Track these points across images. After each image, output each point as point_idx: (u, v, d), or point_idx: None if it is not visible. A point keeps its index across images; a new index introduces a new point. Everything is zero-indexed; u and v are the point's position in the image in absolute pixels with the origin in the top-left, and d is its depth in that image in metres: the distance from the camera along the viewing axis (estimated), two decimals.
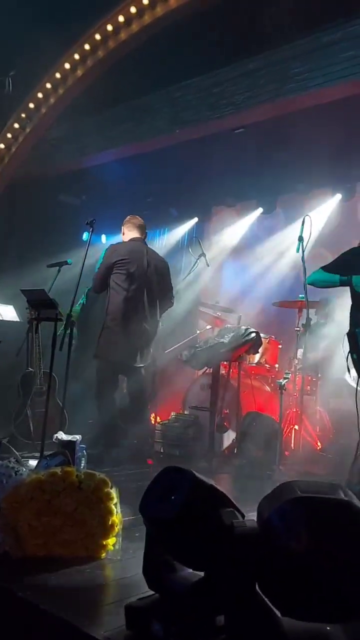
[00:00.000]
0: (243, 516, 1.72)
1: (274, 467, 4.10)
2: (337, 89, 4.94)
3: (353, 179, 5.87)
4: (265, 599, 1.56)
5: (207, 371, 5.07)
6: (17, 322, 5.86)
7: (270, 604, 1.56)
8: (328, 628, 1.62)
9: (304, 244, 4.35)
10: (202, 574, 1.70)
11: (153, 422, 5.27)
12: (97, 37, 6.09)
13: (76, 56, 6.29)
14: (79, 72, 6.38)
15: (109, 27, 6.00)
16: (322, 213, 6.01)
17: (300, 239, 4.37)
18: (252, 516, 1.72)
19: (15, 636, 1.87)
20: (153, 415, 5.34)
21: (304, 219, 4.42)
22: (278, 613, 1.57)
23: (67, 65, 6.39)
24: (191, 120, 6.06)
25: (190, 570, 1.77)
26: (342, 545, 1.47)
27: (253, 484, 3.74)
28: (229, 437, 4.83)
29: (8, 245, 7.30)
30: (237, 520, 1.65)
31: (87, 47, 6.20)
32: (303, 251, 4.34)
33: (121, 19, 5.92)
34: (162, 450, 4.85)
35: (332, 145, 5.35)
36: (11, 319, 5.88)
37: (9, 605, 1.91)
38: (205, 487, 1.73)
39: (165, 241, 7.63)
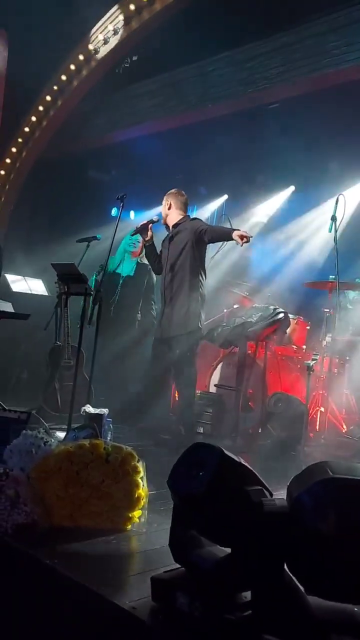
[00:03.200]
0: (271, 495, 1.71)
1: (299, 448, 4.09)
2: None
3: None
4: (293, 577, 1.56)
5: (234, 350, 5.04)
6: (45, 296, 5.91)
7: (297, 582, 1.56)
8: (355, 609, 1.61)
9: (337, 223, 4.26)
10: (228, 550, 1.70)
11: (177, 398, 5.29)
12: (132, 7, 6.00)
13: (110, 27, 6.21)
14: (112, 44, 6.31)
15: (143, 1, 5.91)
16: (356, 192, 5.87)
17: (334, 218, 4.28)
18: (277, 496, 1.71)
19: (42, 603, 1.90)
20: (177, 393, 5.36)
21: (337, 198, 4.32)
22: (304, 591, 1.57)
23: (100, 37, 6.31)
24: (223, 96, 5.95)
25: (217, 546, 1.78)
26: None
27: (277, 464, 3.74)
28: (254, 416, 4.82)
29: (38, 220, 7.34)
30: (265, 498, 1.64)
31: (120, 17, 6.12)
32: (336, 231, 4.25)
33: None
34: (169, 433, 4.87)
35: None
36: (40, 293, 5.93)
37: (36, 572, 1.94)
38: (233, 464, 1.72)
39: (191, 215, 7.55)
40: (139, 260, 5.31)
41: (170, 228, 4.48)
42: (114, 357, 4.99)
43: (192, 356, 4.29)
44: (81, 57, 6.49)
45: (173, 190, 4.55)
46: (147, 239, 4.49)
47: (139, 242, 5.17)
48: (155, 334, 4.53)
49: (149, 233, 4.46)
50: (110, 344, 4.94)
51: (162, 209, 4.53)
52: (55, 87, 6.76)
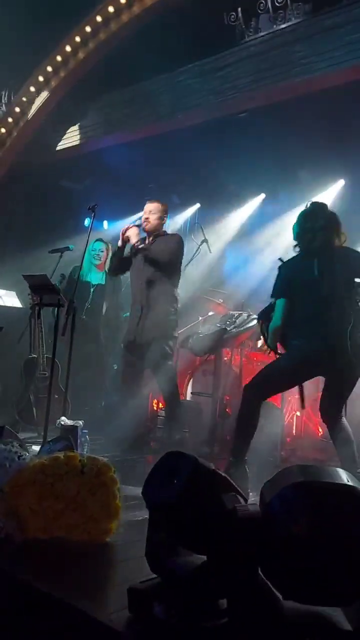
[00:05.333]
0: (245, 500, 1.72)
1: (276, 453, 4.11)
2: (341, 73, 4.87)
3: (356, 164, 5.81)
4: (268, 583, 1.57)
5: (209, 357, 5.06)
6: (18, 308, 5.86)
7: (272, 588, 1.57)
8: (329, 611, 1.63)
9: None
10: (204, 557, 1.71)
11: (155, 407, 5.28)
12: (99, 19, 6.04)
13: (77, 39, 6.24)
14: (80, 55, 6.33)
15: (110, 9, 5.94)
16: (325, 199, 5.96)
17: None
18: (254, 501, 1.72)
19: (17, 620, 1.88)
20: (155, 401, 5.35)
21: (306, 205, 4.38)
22: (280, 596, 1.58)
23: (68, 48, 6.33)
24: (193, 105, 6.00)
25: (193, 555, 1.78)
26: (345, 530, 1.48)
27: (254, 469, 3.75)
28: (231, 423, 4.84)
29: (10, 231, 7.28)
30: (239, 504, 1.65)
31: (88, 29, 6.15)
32: None
33: (123, 0, 5.86)
34: (163, 436, 4.86)
35: (335, 130, 5.29)
36: (12, 305, 5.88)
37: (11, 588, 1.92)
38: (207, 472, 1.73)
39: (167, 228, 7.58)
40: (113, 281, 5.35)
41: (151, 238, 4.46)
42: (89, 366, 4.97)
43: (171, 356, 4.35)
44: (49, 69, 6.49)
45: (165, 203, 4.61)
46: (135, 242, 4.38)
47: (102, 251, 5.18)
48: (126, 340, 4.44)
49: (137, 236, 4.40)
50: (85, 353, 4.91)
51: (153, 216, 4.45)
52: (24, 99, 6.75)
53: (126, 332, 4.48)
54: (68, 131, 7.14)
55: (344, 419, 3.25)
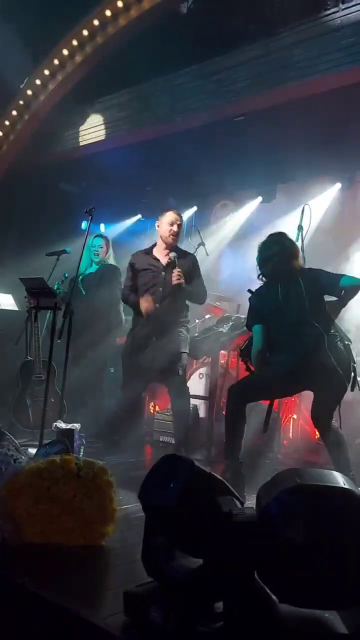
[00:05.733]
0: (242, 504, 1.72)
1: (272, 456, 4.11)
2: (339, 77, 4.88)
3: (353, 167, 5.83)
4: (264, 586, 1.57)
5: (206, 360, 5.06)
6: (15, 311, 5.84)
7: (268, 591, 1.57)
8: (326, 615, 1.62)
9: (304, 233, 4.33)
10: (200, 561, 1.71)
11: (152, 411, 5.28)
12: (96, 22, 6.04)
13: (74, 42, 6.24)
14: (78, 59, 6.34)
15: (108, 13, 5.95)
16: (322, 202, 5.97)
17: (300, 228, 4.35)
18: (250, 504, 1.72)
19: (14, 623, 1.87)
20: (152, 404, 5.34)
21: (303, 208, 4.40)
22: (276, 600, 1.58)
23: (65, 52, 6.34)
24: (190, 108, 6.01)
25: (189, 558, 1.77)
26: (341, 534, 1.48)
27: (251, 472, 3.75)
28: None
29: (7, 234, 7.27)
30: (235, 508, 1.65)
31: (85, 33, 6.16)
32: (302, 240, 4.32)
33: (120, 4, 5.88)
34: (160, 439, 4.86)
35: (332, 133, 5.31)
36: (9, 308, 5.87)
37: (7, 591, 1.91)
38: (203, 475, 1.73)
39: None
40: (105, 262, 5.13)
41: (169, 250, 4.25)
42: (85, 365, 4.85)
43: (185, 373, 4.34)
44: (47, 72, 6.49)
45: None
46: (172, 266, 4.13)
47: (102, 247, 5.09)
48: (132, 352, 4.24)
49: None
50: (85, 351, 4.82)
51: (176, 228, 4.22)
52: (21, 102, 6.75)
53: (135, 349, 4.23)
54: (66, 134, 7.14)
55: (334, 425, 3.30)
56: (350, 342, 3.28)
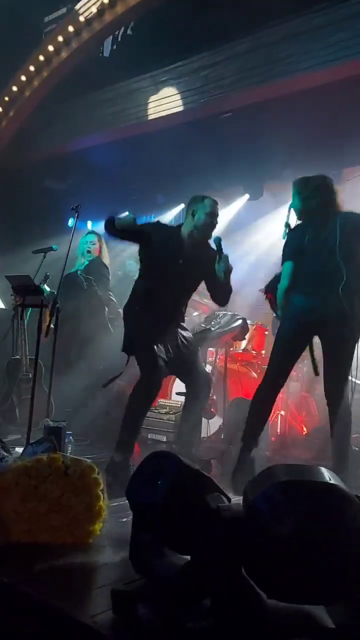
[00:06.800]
0: (229, 500, 1.72)
1: (260, 453, 4.12)
2: (325, 73, 4.90)
3: (339, 164, 5.85)
4: (251, 582, 1.57)
5: None
6: (1, 309, 5.81)
7: (256, 587, 1.57)
8: (313, 610, 1.63)
9: None
10: (188, 558, 1.71)
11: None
12: (81, 19, 6.01)
13: (60, 39, 6.21)
14: (63, 55, 6.30)
15: (93, 9, 5.92)
16: None
17: (287, 225, 4.34)
18: (238, 501, 1.72)
19: (1, 622, 1.86)
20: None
21: (290, 205, 4.40)
22: (264, 595, 1.59)
23: (50, 48, 6.30)
24: (178, 104, 6.00)
25: (177, 555, 1.78)
26: (326, 528, 1.48)
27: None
28: (216, 423, 4.84)
29: None
30: (222, 504, 1.66)
31: (70, 29, 6.12)
32: None
33: (105, 0, 5.85)
34: (149, 437, 4.85)
35: (320, 130, 5.32)
36: None
37: None
38: (191, 472, 1.73)
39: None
40: (100, 261, 5.12)
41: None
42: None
43: None
44: (32, 68, 6.46)
45: None
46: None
47: (94, 243, 5.07)
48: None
49: None
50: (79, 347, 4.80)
51: (215, 217, 3.66)
52: (6, 98, 6.71)
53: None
54: (51, 130, 7.10)
55: (347, 404, 3.21)
56: None
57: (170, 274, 3.49)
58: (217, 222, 3.69)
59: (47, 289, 4.52)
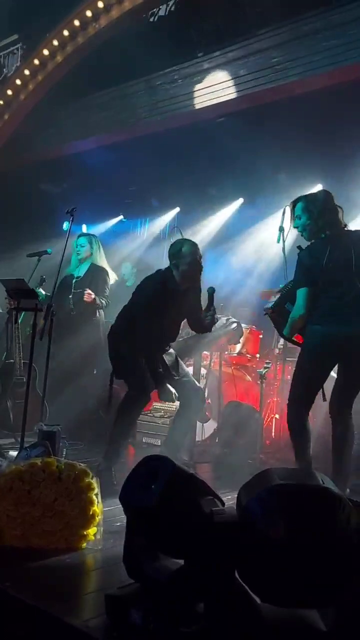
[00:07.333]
0: (223, 504, 1.73)
1: (255, 456, 4.13)
2: (318, 79, 4.93)
3: (334, 169, 5.87)
4: (245, 586, 1.57)
5: (189, 362, 5.06)
6: None
7: (249, 591, 1.57)
8: (306, 613, 1.64)
9: (285, 234, 4.35)
10: (182, 562, 1.71)
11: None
12: (76, 23, 6.03)
13: (55, 42, 6.23)
14: (58, 59, 6.32)
15: (88, 13, 5.94)
16: None
17: (281, 229, 4.37)
18: (232, 504, 1.73)
19: None
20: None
21: (284, 209, 4.41)
22: (257, 599, 1.59)
23: (45, 52, 6.32)
24: (170, 109, 6.02)
25: (171, 559, 1.78)
26: (320, 532, 1.49)
27: (233, 472, 3.76)
28: (210, 426, 4.85)
29: None
30: (216, 508, 1.66)
31: (65, 33, 6.14)
32: (284, 241, 4.35)
33: (100, 4, 5.87)
34: (143, 440, 4.85)
35: (313, 135, 5.34)
36: None
37: None
38: (184, 476, 1.73)
39: (146, 232, 7.59)
40: (93, 262, 5.10)
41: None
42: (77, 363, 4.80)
43: None
44: (27, 72, 6.47)
45: None
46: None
47: (83, 246, 5.05)
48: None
49: None
50: (71, 352, 4.77)
51: (198, 262, 3.79)
52: (1, 102, 6.71)
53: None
54: (46, 134, 7.10)
55: (351, 420, 3.15)
56: None
57: (165, 314, 3.67)
58: (201, 265, 3.79)
59: (43, 292, 4.51)
